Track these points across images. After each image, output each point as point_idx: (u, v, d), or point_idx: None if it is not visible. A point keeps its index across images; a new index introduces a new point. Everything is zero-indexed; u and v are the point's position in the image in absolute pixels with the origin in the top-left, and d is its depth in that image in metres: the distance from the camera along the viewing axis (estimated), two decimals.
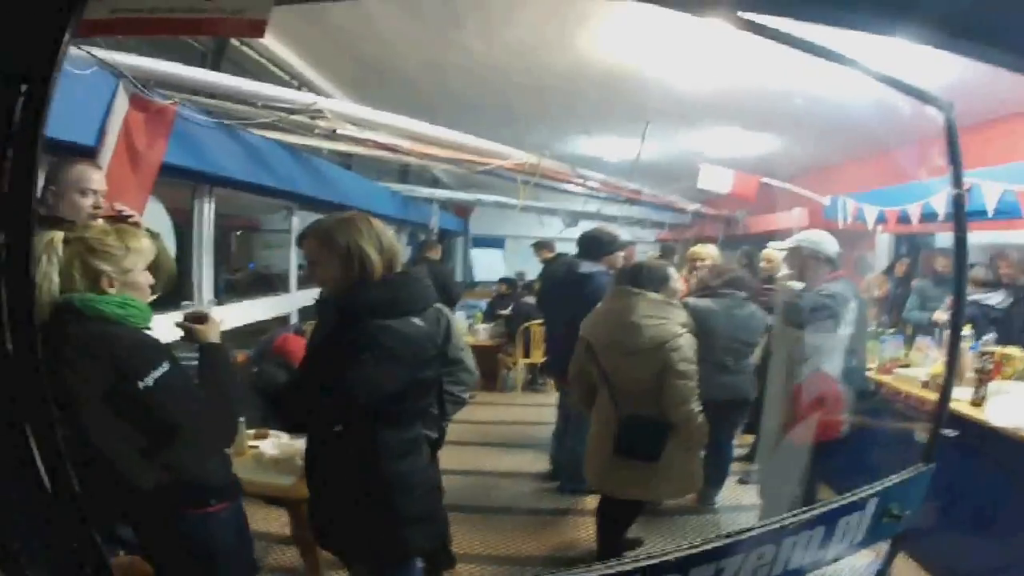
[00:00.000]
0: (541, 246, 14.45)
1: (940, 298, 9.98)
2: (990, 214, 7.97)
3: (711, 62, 8.74)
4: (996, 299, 9.13)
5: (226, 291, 10.76)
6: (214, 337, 3.93)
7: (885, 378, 8.16)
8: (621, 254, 8.38)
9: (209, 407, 3.66)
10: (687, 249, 17.13)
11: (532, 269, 15.78)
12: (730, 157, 14.13)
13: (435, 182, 15.10)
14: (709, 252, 9.30)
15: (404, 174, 14.92)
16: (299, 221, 10.72)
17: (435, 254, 13.89)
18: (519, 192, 11.09)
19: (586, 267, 7.97)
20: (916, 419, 7.19)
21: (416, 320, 3.97)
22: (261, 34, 2.63)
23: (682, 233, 20.86)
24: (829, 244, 6.47)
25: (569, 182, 12.46)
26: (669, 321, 5.88)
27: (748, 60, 8.61)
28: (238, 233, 16.18)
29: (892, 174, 10.59)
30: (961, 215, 3.78)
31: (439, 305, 4.89)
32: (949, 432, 4.57)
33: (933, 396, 6.98)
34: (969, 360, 7.38)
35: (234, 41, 8.39)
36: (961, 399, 6.72)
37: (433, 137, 8.48)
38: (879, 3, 2.22)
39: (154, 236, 4.49)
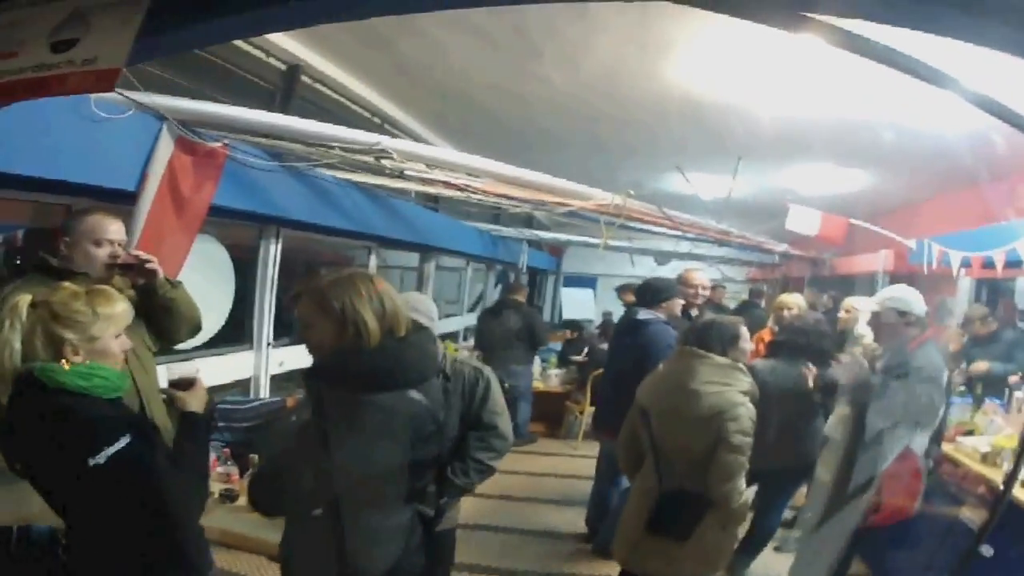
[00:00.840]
0: (624, 289, 14.40)
1: None
2: None
3: (800, 93, 8.36)
4: None
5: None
6: (195, 405, 3.67)
7: (947, 447, 7.36)
8: (680, 301, 7.90)
9: (179, 478, 3.40)
10: (775, 289, 16.80)
11: (620, 310, 15.27)
12: (819, 195, 13.75)
13: (529, 221, 14.73)
14: (796, 301, 8.90)
15: (496, 214, 14.60)
16: (376, 260, 10.53)
17: (521, 296, 13.69)
18: (603, 233, 10.52)
19: (643, 314, 7.62)
20: (968, 502, 6.51)
21: (414, 394, 3.56)
22: (111, 87, 2.35)
23: (771, 272, 20.54)
24: (917, 304, 5.97)
25: (655, 223, 11.80)
26: (731, 388, 5.30)
27: (838, 90, 8.18)
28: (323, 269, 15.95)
29: (979, 213, 9.99)
30: None
31: (480, 366, 4.71)
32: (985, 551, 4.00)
33: (991, 472, 6.53)
34: None
35: (305, 78, 8.16)
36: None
37: (505, 176, 7.97)
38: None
39: (174, 286, 4.41)
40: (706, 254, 17.48)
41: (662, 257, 18.07)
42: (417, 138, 10.72)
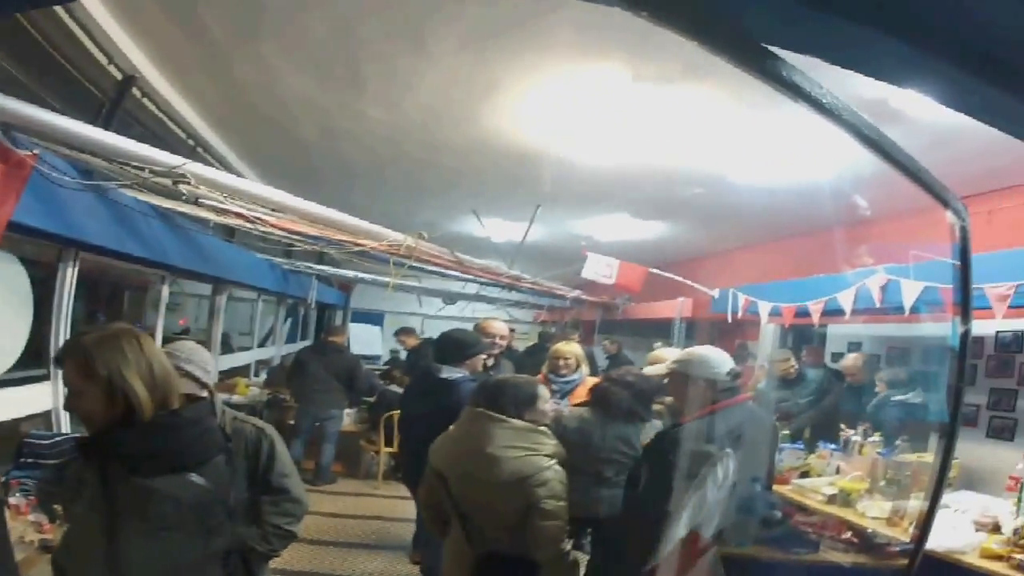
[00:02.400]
0: (404, 332, 14.67)
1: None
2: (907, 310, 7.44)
3: (611, 145, 8.37)
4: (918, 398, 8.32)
5: None
6: None
7: (783, 488, 7.45)
8: (483, 358, 7.34)
9: None
10: (562, 332, 16.61)
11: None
12: (620, 241, 13.84)
13: (320, 257, 14.21)
14: (572, 351, 8.34)
15: (289, 249, 14.04)
16: (169, 288, 9.92)
17: (340, 338, 13.55)
18: (391, 274, 10.04)
19: (446, 372, 6.91)
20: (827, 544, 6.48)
21: (194, 477, 3.17)
22: None
23: (560, 315, 20.34)
24: (718, 365, 5.08)
25: (446, 266, 11.43)
26: (534, 453, 4.84)
27: (647, 144, 8.29)
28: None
29: (793, 264, 9.99)
30: (965, 350, 2.91)
31: (261, 425, 4.28)
32: None
33: (840, 512, 6.66)
34: (880, 468, 6.97)
35: (135, 92, 7.54)
36: (873, 515, 6.51)
37: (303, 212, 7.57)
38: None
39: None
40: (495, 296, 17.23)
41: (450, 298, 17.55)
42: (228, 166, 10.31)
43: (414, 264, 9.81)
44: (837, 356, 11.38)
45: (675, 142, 8.16)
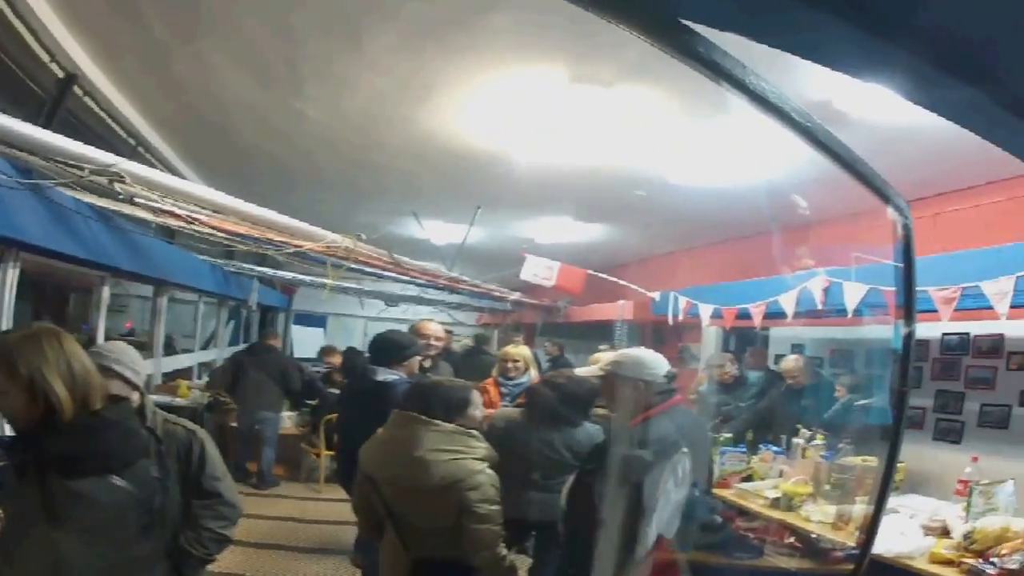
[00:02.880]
0: (326, 353, 15.18)
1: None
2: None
3: (551, 147, 8.28)
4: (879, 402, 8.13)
5: None
6: None
7: (725, 492, 7.32)
8: (419, 359, 7.20)
9: None
10: (506, 334, 16.52)
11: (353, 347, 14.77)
12: (562, 244, 13.76)
13: (263, 258, 14.01)
14: (522, 353, 8.54)
15: (231, 250, 13.84)
16: (109, 290, 9.77)
17: (276, 342, 13.49)
18: (328, 275, 10.20)
19: (382, 374, 6.75)
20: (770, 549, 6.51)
21: (116, 480, 3.15)
22: None
23: (502, 318, 20.08)
24: (650, 367, 4.89)
25: (384, 269, 11.42)
26: (465, 456, 4.72)
27: (588, 146, 8.26)
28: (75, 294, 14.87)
29: (736, 267, 9.94)
30: (909, 352, 2.87)
31: (192, 427, 4.10)
32: None
33: (783, 517, 6.55)
34: (824, 472, 6.85)
35: (77, 90, 7.42)
36: (818, 519, 6.37)
37: (239, 212, 7.52)
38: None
39: None
40: (436, 298, 17.01)
41: (392, 300, 17.31)
42: (169, 167, 10.15)
43: (352, 266, 9.79)
44: (780, 358, 11.25)
45: (615, 144, 8.14)
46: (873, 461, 6.65)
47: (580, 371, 5.99)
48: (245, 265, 14.70)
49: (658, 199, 10.12)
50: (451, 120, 7.78)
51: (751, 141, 7.54)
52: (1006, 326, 7.47)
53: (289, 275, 15.43)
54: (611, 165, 8.85)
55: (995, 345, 7.99)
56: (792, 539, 6.55)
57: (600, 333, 14.24)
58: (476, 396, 5.04)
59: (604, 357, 6.59)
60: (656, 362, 4.85)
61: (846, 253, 7.50)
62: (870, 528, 3.14)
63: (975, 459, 6.73)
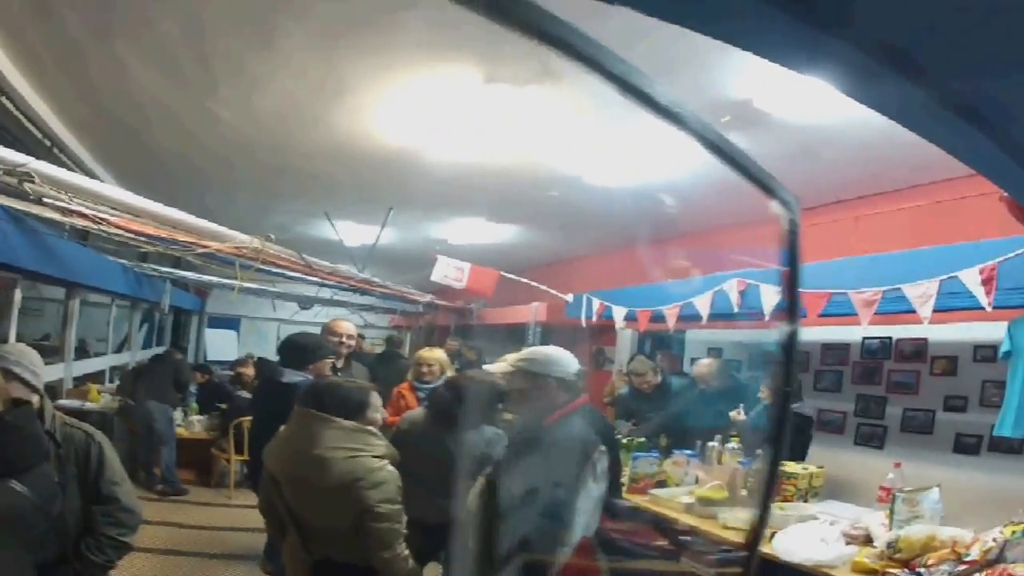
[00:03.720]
0: (239, 365, 14.62)
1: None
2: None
3: (465, 148, 8.20)
4: (803, 409, 8.01)
5: None
6: None
7: (639, 498, 7.05)
8: (329, 361, 7.09)
9: None
10: (420, 337, 16.40)
11: (266, 351, 14.58)
12: (476, 245, 13.73)
13: (177, 261, 13.69)
14: (437, 357, 8.42)
15: (145, 252, 13.54)
16: (19, 294, 9.58)
17: (180, 356, 13.05)
18: (238, 276, 9.89)
19: (288, 376, 6.63)
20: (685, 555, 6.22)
21: (15, 484, 3.12)
22: None
23: (415, 320, 19.93)
24: (561, 365, 4.71)
25: (294, 270, 11.21)
26: (364, 454, 4.63)
27: (501, 147, 8.14)
28: None
29: (650, 269, 9.84)
30: (791, 353, 2.80)
31: (91, 431, 4.02)
32: None
33: (698, 523, 6.32)
34: (740, 477, 6.68)
35: None
36: (732, 525, 6.07)
37: (146, 212, 7.47)
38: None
39: None
40: (350, 300, 16.80)
41: (306, 302, 17.15)
42: (84, 168, 9.85)
43: (261, 267, 9.63)
44: (696, 362, 11.15)
45: (529, 145, 8.06)
46: (793, 466, 6.75)
47: (489, 368, 5.76)
48: (163, 268, 14.44)
49: (572, 201, 10.05)
50: (364, 120, 7.64)
51: (665, 143, 7.45)
52: (929, 330, 7.51)
53: (202, 277, 15.22)
54: (524, 166, 8.77)
55: (918, 349, 8.02)
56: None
57: (514, 336, 14.16)
58: (375, 398, 4.96)
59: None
60: (567, 360, 4.71)
61: (762, 256, 7.45)
62: (755, 532, 3.08)
63: (897, 465, 6.64)
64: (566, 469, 4.15)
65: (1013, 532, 4.71)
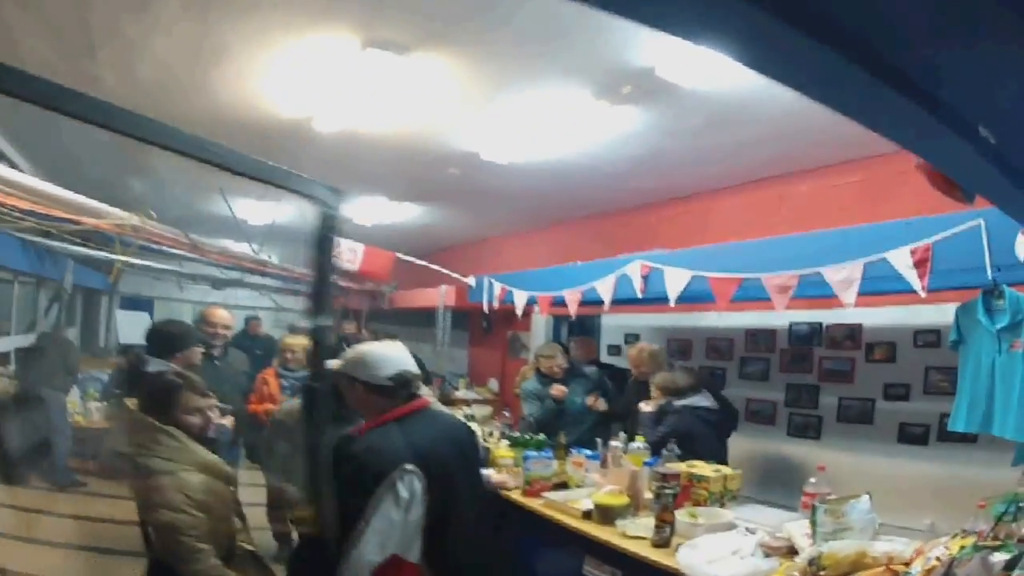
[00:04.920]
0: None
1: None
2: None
3: (356, 120, 7.89)
4: (708, 401, 7.12)
5: None
6: None
7: (534, 503, 6.11)
8: (199, 349, 6.61)
9: None
10: (336, 321, 15.79)
11: None
12: (382, 225, 13.38)
13: (87, 237, 12.89)
14: (301, 343, 7.92)
15: (48, 230, 12.76)
16: None
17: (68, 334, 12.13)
18: (117, 253, 9.64)
19: (154, 365, 6.03)
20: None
21: None
22: None
23: (333, 304, 18.86)
24: (370, 367, 4.00)
25: (178, 248, 10.54)
26: (150, 454, 4.00)
27: (394, 120, 7.77)
28: None
29: (563, 252, 9.26)
30: (319, 346, 2.83)
31: None
32: None
33: (597, 532, 5.29)
34: (642, 480, 5.82)
35: None
36: (635, 534, 5.07)
37: (18, 185, 6.85)
38: None
39: None
40: (261, 283, 16.08)
41: (218, 284, 16.20)
42: None
43: (144, 245, 9.20)
44: (614, 349, 10.83)
45: (421, 118, 7.65)
46: (703, 467, 5.84)
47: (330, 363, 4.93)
48: (72, 247, 13.50)
49: (476, 178, 9.64)
50: (245, 88, 7.25)
51: (564, 118, 7.10)
52: (863, 315, 7.15)
53: (115, 257, 14.39)
54: (420, 141, 8.42)
55: (851, 334, 7.64)
56: None
57: (425, 320, 13.61)
58: (188, 397, 4.32)
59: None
60: (379, 361, 3.99)
61: (669, 239, 6.94)
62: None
63: (821, 468, 5.55)
64: (354, 488, 3.55)
65: (962, 547, 3.86)
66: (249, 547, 4.39)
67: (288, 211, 12.09)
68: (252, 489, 8.47)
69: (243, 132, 8.32)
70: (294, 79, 6.86)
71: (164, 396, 4.20)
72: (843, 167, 7.88)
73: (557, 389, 8.28)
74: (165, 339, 6.34)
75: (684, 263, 6.22)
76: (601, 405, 8.23)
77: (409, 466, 3.59)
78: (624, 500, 5.54)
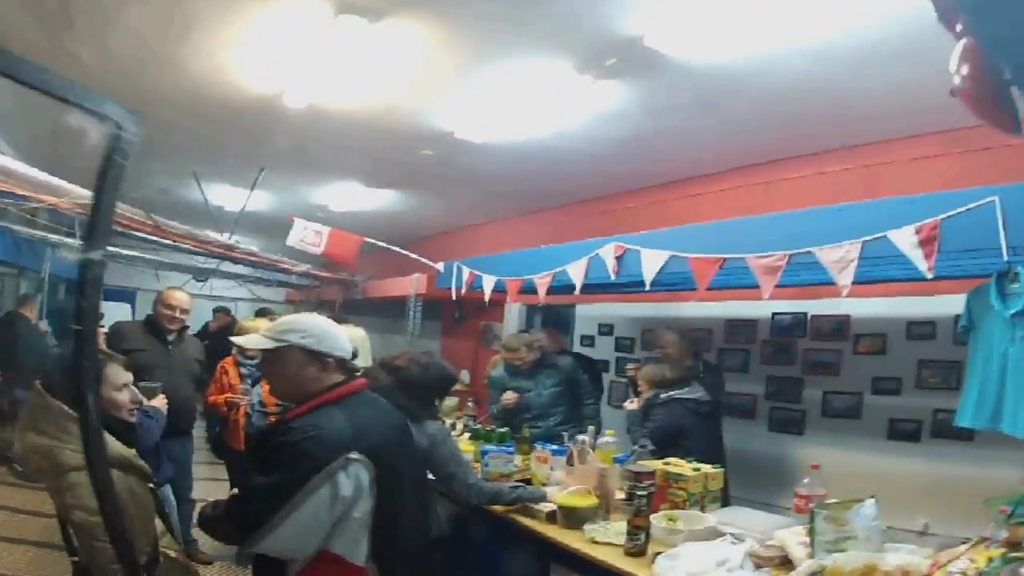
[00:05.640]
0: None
1: None
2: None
3: (327, 96, 7.44)
4: (698, 392, 6.49)
5: None
6: None
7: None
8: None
9: None
10: (317, 312, 15.35)
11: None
12: (356, 212, 13.00)
13: (72, 225, 12.32)
14: (257, 325, 6.84)
15: (32, 218, 12.15)
16: None
17: (30, 313, 11.66)
18: (78, 236, 9.47)
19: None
20: None
21: None
22: None
23: (310, 294, 18.72)
24: (338, 339, 3.43)
25: (140, 231, 10.08)
26: (60, 445, 3.37)
27: (368, 96, 7.37)
28: None
29: (545, 240, 8.62)
30: (86, 283, 2.37)
31: None
32: None
33: (561, 537, 4.52)
34: (612, 479, 5.02)
35: None
36: (605, 540, 4.34)
37: None
38: None
39: None
40: (242, 273, 15.76)
41: (200, 274, 15.66)
42: None
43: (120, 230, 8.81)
44: (587, 340, 10.36)
45: (393, 93, 7.22)
46: (681, 465, 5.05)
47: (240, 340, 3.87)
48: (52, 236, 12.93)
49: (450, 160, 9.18)
50: (217, 61, 6.81)
51: (547, 91, 6.64)
52: (851, 305, 6.75)
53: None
54: (394, 119, 8.00)
55: (838, 326, 7.23)
56: None
57: (400, 309, 13.08)
58: (115, 372, 3.80)
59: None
60: (337, 333, 3.45)
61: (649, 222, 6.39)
62: None
63: (815, 467, 4.71)
64: (287, 475, 2.98)
65: (989, 560, 3.27)
66: (173, 553, 3.82)
67: (263, 199, 11.96)
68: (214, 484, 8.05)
69: (216, 107, 7.93)
70: (265, 50, 6.43)
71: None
72: (835, 154, 7.49)
73: (507, 398, 7.61)
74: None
75: (661, 244, 5.61)
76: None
77: (355, 455, 3.05)
78: (591, 501, 4.76)
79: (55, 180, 7.50)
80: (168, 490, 5.92)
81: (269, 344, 3.31)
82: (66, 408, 3.36)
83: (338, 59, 6.47)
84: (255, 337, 3.41)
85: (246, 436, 6.61)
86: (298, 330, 3.33)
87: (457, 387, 13.65)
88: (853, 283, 4.38)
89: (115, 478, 3.16)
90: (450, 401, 11.05)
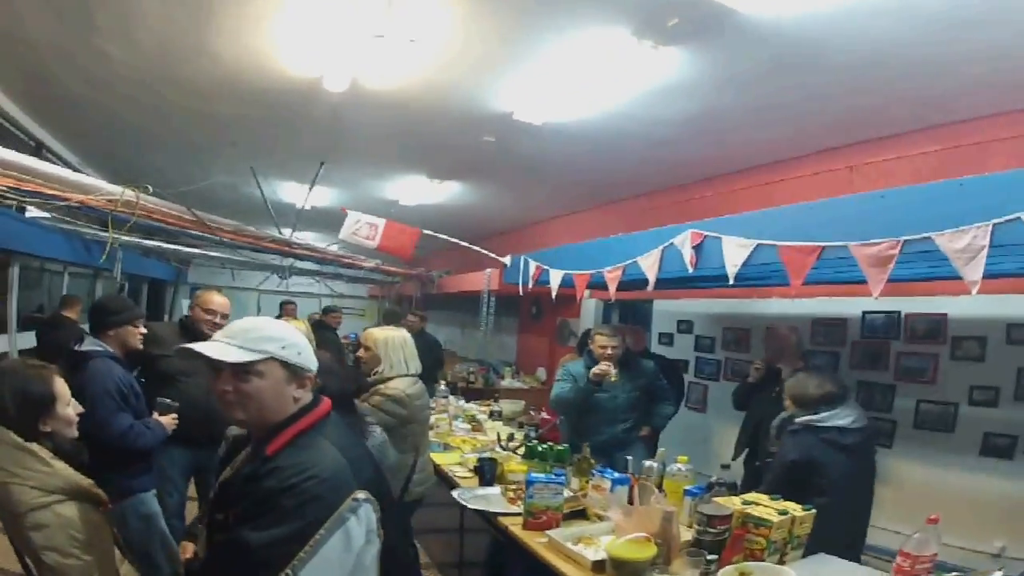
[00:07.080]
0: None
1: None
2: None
3: (380, 81, 6.73)
4: (847, 418, 4.94)
5: None
6: None
7: (534, 539, 4.23)
8: (137, 329, 5.26)
9: None
10: (395, 306, 14.88)
11: None
12: (424, 205, 12.56)
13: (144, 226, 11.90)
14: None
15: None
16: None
17: (73, 313, 10.79)
18: (110, 231, 8.25)
19: (87, 344, 5.01)
20: None
21: None
22: None
23: (390, 290, 18.10)
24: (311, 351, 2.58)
25: (182, 226, 9.41)
26: (19, 481, 2.92)
27: (421, 81, 6.66)
28: None
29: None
30: None
31: None
32: None
33: None
34: (674, 524, 3.79)
35: None
36: None
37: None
38: None
39: None
40: (318, 270, 15.01)
41: (283, 272, 14.96)
42: (24, 130, 9.04)
43: (141, 221, 8.22)
44: (666, 337, 9.47)
45: (445, 72, 6.41)
46: (765, 508, 3.80)
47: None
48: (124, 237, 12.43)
49: (511, 146, 8.38)
50: (249, 46, 6.14)
51: (604, 64, 5.77)
52: (948, 304, 6.03)
53: (169, 247, 13.18)
54: (450, 102, 7.22)
55: (934, 328, 6.29)
56: None
57: (475, 305, 12.18)
58: (61, 391, 3.19)
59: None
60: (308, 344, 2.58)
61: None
62: None
63: (933, 520, 3.28)
64: (292, 526, 2.17)
65: None
66: None
67: (329, 195, 11.83)
68: None
69: (251, 95, 7.26)
70: (300, 31, 5.73)
71: (28, 401, 3.05)
72: (919, 134, 6.52)
73: (601, 368, 6.44)
74: (99, 314, 5.21)
75: (744, 231, 4.61)
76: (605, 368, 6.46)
77: (361, 494, 2.30)
78: (648, 553, 3.63)
79: (83, 177, 7.33)
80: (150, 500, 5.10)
81: (244, 356, 2.36)
82: (19, 439, 2.96)
83: (383, 37, 5.60)
84: (220, 346, 2.41)
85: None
86: (275, 338, 2.43)
87: (534, 384, 12.96)
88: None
89: (78, 511, 3.00)
90: (515, 406, 10.24)
